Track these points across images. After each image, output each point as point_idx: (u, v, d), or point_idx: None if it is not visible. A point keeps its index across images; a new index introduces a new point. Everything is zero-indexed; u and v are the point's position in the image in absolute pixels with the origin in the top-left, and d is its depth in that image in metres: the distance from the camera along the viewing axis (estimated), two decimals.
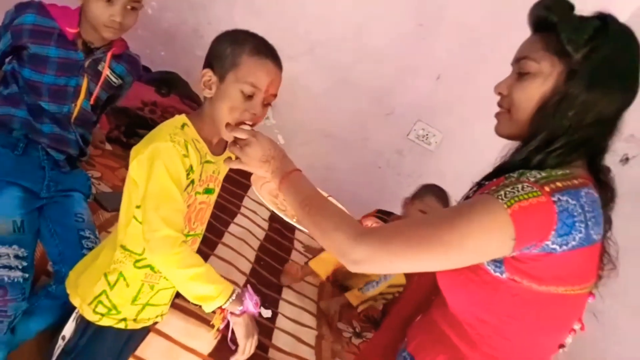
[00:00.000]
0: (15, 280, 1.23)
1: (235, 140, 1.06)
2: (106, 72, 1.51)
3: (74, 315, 1.15)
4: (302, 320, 1.93)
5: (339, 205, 1.02)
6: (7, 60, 1.48)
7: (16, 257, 1.27)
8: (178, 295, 1.29)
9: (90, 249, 1.34)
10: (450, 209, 0.86)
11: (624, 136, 0.94)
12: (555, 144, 0.87)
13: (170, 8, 3.00)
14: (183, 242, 1.05)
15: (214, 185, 1.19)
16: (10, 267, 1.24)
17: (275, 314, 1.84)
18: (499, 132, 0.97)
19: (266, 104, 1.09)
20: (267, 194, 1.19)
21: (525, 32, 0.96)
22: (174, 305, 1.36)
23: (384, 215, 2.43)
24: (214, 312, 1.09)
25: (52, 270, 1.40)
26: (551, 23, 0.88)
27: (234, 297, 1.07)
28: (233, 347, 1.14)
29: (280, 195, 1.12)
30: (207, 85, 1.08)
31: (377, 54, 3.07)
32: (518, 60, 0.93)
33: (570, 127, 0.86)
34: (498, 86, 0.96)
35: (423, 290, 1.12)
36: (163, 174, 1.01)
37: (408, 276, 1.99)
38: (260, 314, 1.15)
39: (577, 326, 0.94)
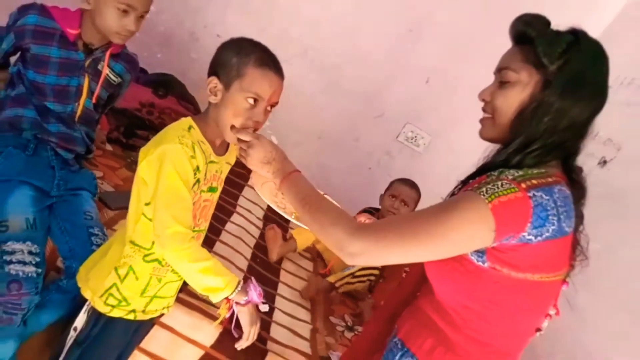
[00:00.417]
0: (29, 275, 1.27)
1: (239, 143, 1.12)
2: (105, 70, 1.54)
3: (85, 307, 1.20)
4: (298, 314, 1.99)
5: (335, 203, 1.08)
6: (13, 61, 1.50)
7: (29, 253, 1.29)
8: (181, 289, 1.34)
9: (98, 246, 1.38)
10: (437, 205, 0.93)
11: (602, 140, 0.99)
12: (532, 146, 0.94)
13: (166, 11, 3.01)
14: (192, 237, 1.11)
15: (217, 184, 1.24)
16: (24, 263, 1.27)
17: (272, 309, 1.89)
18: (483, 136, 1.04)
19: (268, 111, 1.15)
20: (267, 193, 1.25)
21: (509, 38, 1.02)
22: (177, 300, 1.39)
23: (373, 211, 2.66)
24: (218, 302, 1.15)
25: (63, 265, 1.43)
26: (529, 37, 0.95)
27: (239, 288, 1.14)
28: (237, 335, 1.21)
29: (280, 194, 1.19)
30: (213, 92, 1.13)
31: (369, 57, 3.12)
32: (500, 70, 1.00)
33: (546, 131, 0.93)
34: (482, 93, 1.03)
35: (409, 287, 1.19)
36: (172, 174, 1.06)
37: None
38: (258, 307, 1.22)
39: (552, 311, 1.01)
